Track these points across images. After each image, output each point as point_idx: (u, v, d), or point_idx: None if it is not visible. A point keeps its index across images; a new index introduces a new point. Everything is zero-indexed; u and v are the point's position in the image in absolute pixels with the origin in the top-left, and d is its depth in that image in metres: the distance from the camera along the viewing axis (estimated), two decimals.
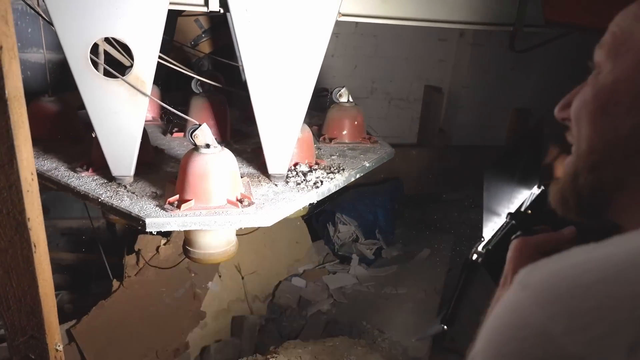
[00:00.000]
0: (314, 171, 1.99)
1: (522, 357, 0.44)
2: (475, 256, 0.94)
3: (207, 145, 1.66)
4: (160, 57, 1.68)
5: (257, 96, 1.72)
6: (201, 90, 2.35)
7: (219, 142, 1.73)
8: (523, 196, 1.02)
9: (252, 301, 3.67)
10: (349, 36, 4.66)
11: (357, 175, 2.11)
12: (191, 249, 1.85)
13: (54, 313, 1.16)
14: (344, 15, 1.78)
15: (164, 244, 3.30)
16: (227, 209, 1.67)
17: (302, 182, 1.92)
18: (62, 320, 2.97)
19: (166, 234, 3.32)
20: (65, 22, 1.50)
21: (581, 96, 0.62)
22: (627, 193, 0.58)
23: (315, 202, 1.91)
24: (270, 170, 1.90)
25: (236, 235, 1.93)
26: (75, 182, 1.81)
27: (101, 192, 1.75)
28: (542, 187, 0.99)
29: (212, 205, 1.66)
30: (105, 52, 2.00)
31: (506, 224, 0.93)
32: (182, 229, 1.67)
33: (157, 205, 1.67)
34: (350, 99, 2.46)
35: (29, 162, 0.97)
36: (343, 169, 2.07)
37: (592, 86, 0.60)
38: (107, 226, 3.90)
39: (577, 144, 0.62)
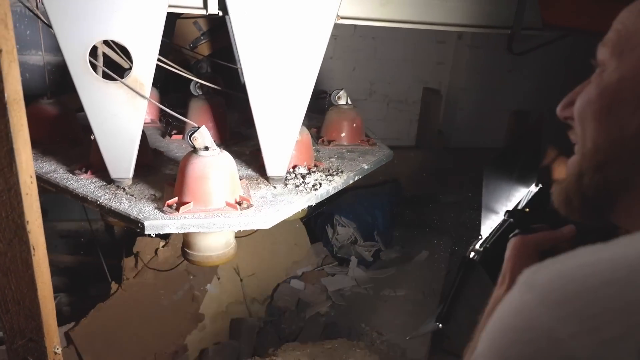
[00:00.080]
0: (312, 173, 1.99)
1: None
2: (472, 254, 0.94)
3: (206, 148, 1.67)
4: (159, 60, 1.68)
5: (255, 98, 1.72)
6: (200, 93, 2.36)
7: (217, 145, 1.73)
8: (521, 194, 1.01)
9: (250, 303, 3.67)
10: (347, 38, 4.67)
11: (356, 178, 2.11)
12: (190, 252, 1.85)
13: (52, 316, 1.15)
14: (342, 18, 1.79)
15: (163, 247, 3.30)
16: (226, 211, 1.67)
17: (300, 184, 1.92)
18: (60, 323, 2.96)
19: (165, 237, 3.32)
20: (64, 24, 1.50)
21: (585, 95, 0.61)
22: (632, 193, 0.57)
23: (313, 204, 1.91)
24: (269, 173, 1.90)
25: (235, 237, 1.94)
26: (73, 185, 1.81)
27: (100, 195, 1.75)
28: (540, 185, 0.99)
29: (211, 207, 1.66)
30: (104, 55, 2.00)
31: (504, 222, 0.92)
32: (180, 232, 1.67)
33: (155, 208, 1.67)
34: (349, 102, 2.47)
35: (28, 165, 0.97)
36: (342, 171, 2.07)
37: (597, 84, 0.59)
38: (105, 228, 3.90)
39: (581, 143, 0.61)
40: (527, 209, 0.96)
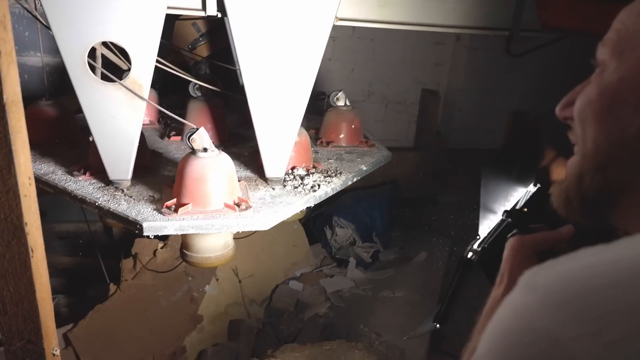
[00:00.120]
0: (311, 175, 1.99)
1: None
2: (470, 254, 0.93)
3: (205, 149, 1.67)
4: (157, 61, 1.68)
5: (254, 100, 1.72)
6: (199, 94, 2.36)
7: (216, 146, 1.73)
8: (519, 194, 1.01)
9: (249, 305, 3.67)
10: (346, 40, 4.68)
11: (354, 179, 2.12)
12: (188, 253, 1.85)
13: (51, 317, 1.15)
14: (341, 19, 1.79)
15: (161, 248, 3.30)
16: (225, 212, 1.67)
17: (299, 185, 1.92)
18: (59, 325, 2.96)
19: (163, 238, 3.32)
20: (62, 26, 1.50)
21: (585, 95, 0.60)
22: (633, 194, 0.56)
23: (312, 205, 1.92)
24: (268, 174, 1.90)
25: (233, 238, 1.94)
26: (72, 186, 1.81)
27: (98, 196, 1.75)
28: (539, 185, 0.99)
29: (210, 209, 1.66)
30: (103, 56, 2.00)
31: (502, 221, 0.91)
32: (179, 233, 1.67)
33: (154, 209, 1.67)
34: (347, 103, 2.47)
35: (26, 167, 0.97)
36: (340, 173, 2.07)
37: (597, 85, 0.59)
38: (104, 230, 3.90)
39: (582, 144, 0.61)
40: (526, 209, 0.96)
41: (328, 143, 2.41)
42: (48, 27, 1.51)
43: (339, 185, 2.01)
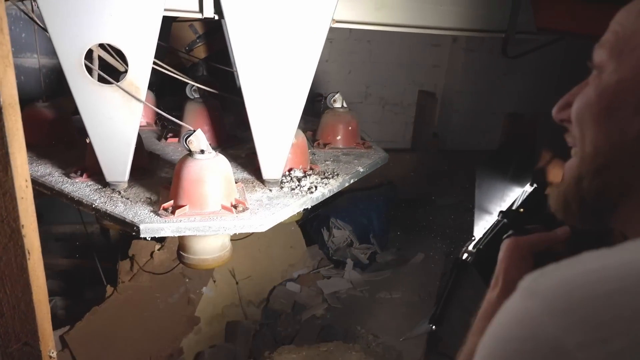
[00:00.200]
0: (308, 176, 1.99)
1: None
2: (465, 255, 0.92)
3: (202, 151, 1.67)
4: (154, 63, 1.68)
5: (251, 102, 1.73)
6: (196, 96, 2.36)
7: (213, 148, 1.73)
8: (515, 194, 1.00)
9: (246, 306, 3.67)
10: (343, 42, 4.69)
11: (351, 181, 2.12)
12: (185, 255, 1.85)
13: (47, 320, 1.15)
14: (337, 22, 1.79)
15: (158, 250, 3.30)
16: (222, 214, 1.67)
17: (296, 187, 1.92)
18: (55, 326, 2.94)
19: (160, 240, 3.32)
20: (59, 28, 1.50)
21: (583, 97, 0.59)
22: (633, 198, 0.55)
23: (309, 207, 1.92)
24: (265, 176, 1.91)
25: (231, 240, 1.94)
26: (69, 188, 1.81)
27: (95, 198, 1.75)
28: (535, 185, 0.97)
29: (207, 210, 1.66)
30: (100, 58, 2.00)
31: (498, 222, 0.90)
32: (176, 235, 1.67)
33: (151, 211, 1.67)
34: (344, 105, 2.47)
35: (23, 169, 0.97)
36: (337, 174, 2.07)
37: (595, 87, 0.58)
38: (101, 231, 3.90)
39: (580, 147, 0.60)
40: (522, 209, 0.95)
41: (325, 145, 2.41)
42: (45, 29, 1.51)
43: (336, 187, 2.01)
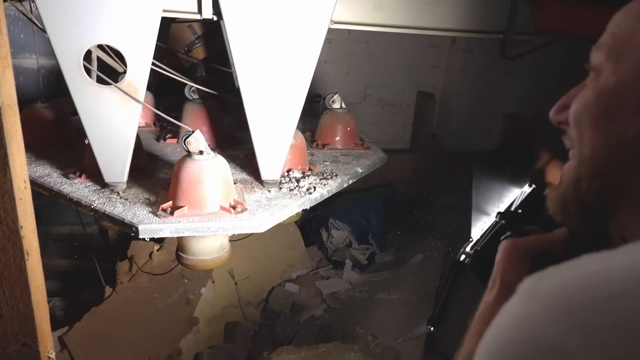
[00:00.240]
0: (306, 177, 2.00)
1: None
2: (463, 257, 0.92)
3: (200, 152, 1.67)
4: (153, 64, 1.69)
5: (250, 103, 1.73)
6: (195, 97, 2.36)
7: (212, 148, 1.73)
8: (514, 195, 0.99)
9: (245, 307, 3.67)
10: (342, 42, 4.69)
11: (350, 181, 2.12)
12: (184, 255, 1.85)
13: (46, 320, 1.15)
14: (336, 22, 1.80)
15: (157, 250, 3.29)
16: (220, 215, 1.67)
17: (295, 188, 1.92)
18: (54, 327, 2.94)
19: (159, 240, 3.32)
20: (58, 29, 1.50)
21: (581, 99, 0.59)
22: (632, 200, 0.55)
23: (308, 208, 1.92)
24: (263, 177, 1.91)
25: (229, 240, 1.94)
26: (67, 189, 1.81)
27: (94, 199, 1.75)
28: (534, 186, 0.97)
29: (205, 211, 1.66)
30: (98, 58, 2.00)
31: (495, 223, 0.89)
32: (174, 236, 1.67)
33: (150, 212, 1.67)
34: (343, 105, 2.48)
35: (22, 171, 0.97)
36: (336, 175, 2.08)
37: (593, 89, 0.58)
38: (99, 232, 3.89)
39: (579, 149, 0.59)
40: (520, 210, 0.94)
41: (324, 145, 2.41)
42: (43, 30, 1.51)
43: (335, 187, 2.01)
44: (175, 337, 3.28)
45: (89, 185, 1.84)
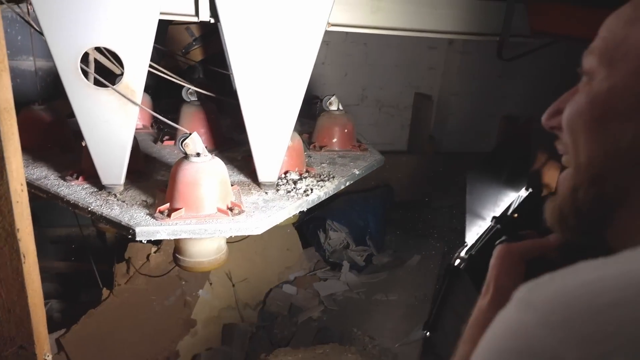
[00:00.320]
0: (304, 179, 2.00)
1: None
2: (457, 262, 0.91)
3: (198, 154, 1.67)
4: (150, 66, 1.69)
5: (247, 105, 1.73)
6: (193, 99, 2.36)
7: (209, 150, 1.74)
8: (510, 199, 0.98)
9: (242, 309, 3.67)
10: (339, 44, 4.70)
11: (347, 183, 2.13)
12: (181, 257, 1.85)
13: (43, 323, 1.15)
14: (333, 25, 1.80)
15: (155, 252, 3.29)
16: (217, 217, 1.67)
17: (292, 190, 1.93)
18: (51, 329, 2.93)
19: (157, 242, 3.31)
20: (55, 31, 1.50)
21: (574, 105, 0.58)
22: (630, 208, 0.54)
23: (305, 210, 1.92)
24: (261, 179, 1.91)
25: (227, 242, 1.94)
26: (64, 191, 1.81)
27: (91, 201, 1.75)
28: (531, 190, 0.95)
29: (203, 213, 1.67)
30: (96, 60, 2.00)
31: (491, 228, 0.87)
32: (172, 238, 1.67)
33: (147, 214, 1.68)
34: (340, 107, 2.48)
35: (18, 173, 0.97)
36: (333, 177, 2.08)
37: (586, 94, 0.56)
38: (97, 234, 3.89)
39: (574, 156, 0.58)
40: (516, 215, 0.93)
41: (321, 147, 2.42)
42: (41, 33, 1.51)
43: (332, 189, 2.02)
44: (172, 339, 3.28)
45: (86, 188, 1.84)
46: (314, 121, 2.54)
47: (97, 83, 1.64)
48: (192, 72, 3.14)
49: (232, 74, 1.70)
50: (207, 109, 2.35)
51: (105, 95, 1.62)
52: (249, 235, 2.78)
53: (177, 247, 1.87)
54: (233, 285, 3.66)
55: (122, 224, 1.63)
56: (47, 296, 3.48)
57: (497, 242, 0.74)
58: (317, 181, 2.01)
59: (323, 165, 2.24)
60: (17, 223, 1.01)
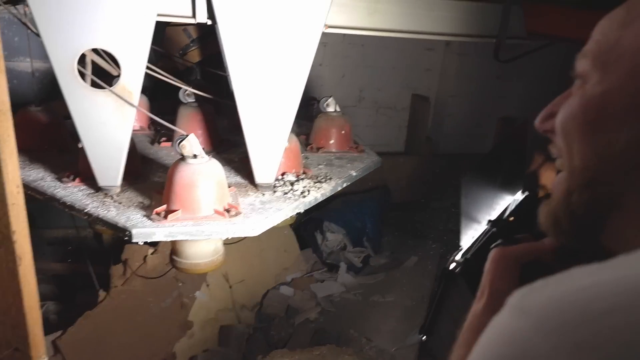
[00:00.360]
0: (301, 180, 2.00)
1: None
2: (453, 265, 0.90)
3: (195, 156, 1.67)
4: (148, 67, 1.69)
5: (243, 107, 1.73)
6: (190, 100, 2.36)
7: (207, 152, 1.73)
8: (506, 202, 0.98)
9: (239, 310, 3.66)
10: (337, 45, 4.70)
11: (344, 185, 2.13)
12: (178, 259, 1.85)
13: (38, 325, 1.15)
14: (330, 27, 1.80)
15: (152, 254, 3.28)
16: (214, 219, 1.67)
17: (289, 191, 1.92)
18: (47, 331, 2.93)
19: (153, 244, 3.30)
20: (52, 32, 1.50)
21: (568, 108, 0.57)
22: (624, 212, 0.53)
23: (302, 211, 1.92)
24: (258, 180, 1.91)
25: (224, 244, 1.94)
26: (61, 193, 1.81)
27: (87, 203, 1.74)
28: (527, 193, 0.95)
29: (199, 215, 1.66)
30: (93, 62, 2.00)
31: (487, 231, 0.86)
32: (168, 239, 1.67)
33: (144, 216, 1.67)
34: (337, 109, 2.48)
35: (14, 176, 0.97)
36: (330, 178, 2.08)
37: (580, 97, 0.56)
38: (94, 236, 3.87)
39: (568, 160, 0.58)
40: (512, 218, 0.92)
41: (318, 149, 2.42)
42: (37, 34, 1.51)
43: (329, 191, 2.02)
44: (169, 341, 3.27)
45: (83, 189, 1.83)
46: (311, 122, 2.54)
47: (94, 84, 1.64)
48: (190, 73, 3.14)
49: (229, 75, 1.70)
50: (204, 111, 2.35)
51: (102, 97, 1.62)
52: (246, 237, 2.78)
53: (174, 249, 1.87)
54: (230, 287, 3.66)
55: (119, 225, 1.63)
56: (43, 298, 3.47)
57: (493, 245, 0.73)
58: (314, 183, 2.01)
59: (320, 166, 2.24)
60: (12, 225, 1.01)
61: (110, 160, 1.73)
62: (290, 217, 1.93)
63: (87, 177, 1.83)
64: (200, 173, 1.66)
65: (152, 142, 2.43)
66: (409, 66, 4.98)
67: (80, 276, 3.58)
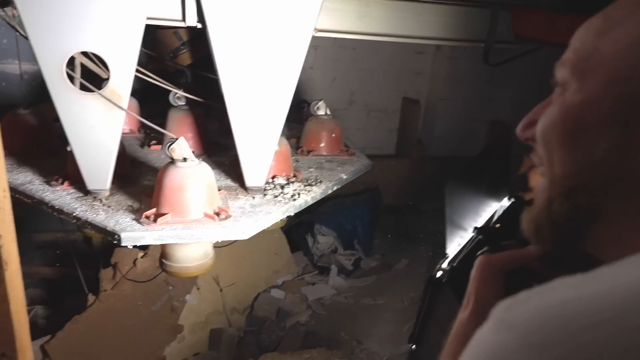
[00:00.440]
0: (291, 184, 2.00)
1: None
2: (439, 273, 0.89)
3: (184, 159, 1.67)
4: (137, 70, 1.68)
5: (233, 110, 1.73)
6: (180, 103, 2.35)
7: (197, 155, 1.73)
8: (492, 209, 0.97)
9: (230, 313, 3.65)
10: (327, 48, 4.71)
11: (334, 188, 2.13)
12: (168, 263, 1.84)
13: (25, 331, 1.14)
14: (320, 31, 1.81)
15: (141, 257, 3.27)
16: (204, 222, 1.67)
17: (279, 194, 1.93)
18: (36, 336, 2.91)
19: (143, 247, 3.29)
20: (40, 35, 1.49)
21: (547, 117, 0.57)
22: (604, 221, 0.53)
23: (292, 214, 1.92)
24: (248, 183, 1.91)
25: (214, 247, 1.93)
26: (49, 196, 1.79)
27: (76, 206, 1.73)
28: (513, 199, 0.94)
29: (189, 218, 1.66)
30: (82, 65, 1.99)
31: (473, 239, 0.85)
32: (158, 243, 1.67)
33: (133, 219, 1.67)
34: (328, 112, 2.49)
35: (1, 179, 0.97)
36: (320, 181, 2.08)
37: (559, 106, 0.56)
38: (83, 239, 3.85)
39: (549, 168, 0.58)
40: (498, 225, 0.91)
41: (309, 152, 2.42)
42: (25, 37, 1.50)
43: (319, 194, 2.02)
44: (159, 344, 3.25)
45: (72, 193, 1.82)
46: (301, 125, 2.54)
47: (82, 88, 1.63)
48: (180, 76, 3.13)
49: (219, 78, 1.70)
50: (194, 114, 2.35)
51: (91, 100, 1.61)
52: (236, 240, 2.77)
53: (163, 252, 1.86)
54: (220, 290, 3.65)
55: (108, 229, 1.62)
56: (31, 302, 3.44)
57: (479, 253, 0.73)
58: (305, 186, 2.02)
59: (310, 169, 2.24)
60: None
61: (100, 164, 1.73)
62: (281, 220, 1.92)
63: (76, 181, 1.82)
64: (190, 176, 1.66)
65: (142, 145, 2.42)
66: (400, 69, 5.01)
67: (69, 280, 3.55)
